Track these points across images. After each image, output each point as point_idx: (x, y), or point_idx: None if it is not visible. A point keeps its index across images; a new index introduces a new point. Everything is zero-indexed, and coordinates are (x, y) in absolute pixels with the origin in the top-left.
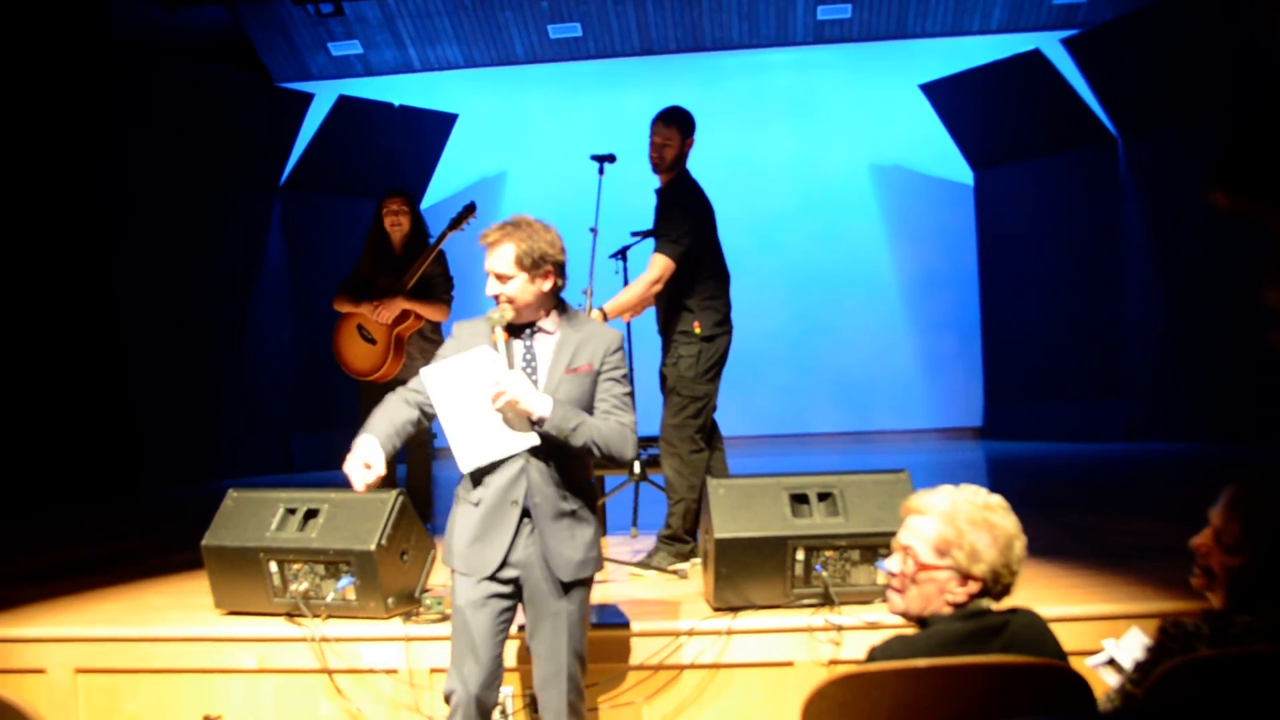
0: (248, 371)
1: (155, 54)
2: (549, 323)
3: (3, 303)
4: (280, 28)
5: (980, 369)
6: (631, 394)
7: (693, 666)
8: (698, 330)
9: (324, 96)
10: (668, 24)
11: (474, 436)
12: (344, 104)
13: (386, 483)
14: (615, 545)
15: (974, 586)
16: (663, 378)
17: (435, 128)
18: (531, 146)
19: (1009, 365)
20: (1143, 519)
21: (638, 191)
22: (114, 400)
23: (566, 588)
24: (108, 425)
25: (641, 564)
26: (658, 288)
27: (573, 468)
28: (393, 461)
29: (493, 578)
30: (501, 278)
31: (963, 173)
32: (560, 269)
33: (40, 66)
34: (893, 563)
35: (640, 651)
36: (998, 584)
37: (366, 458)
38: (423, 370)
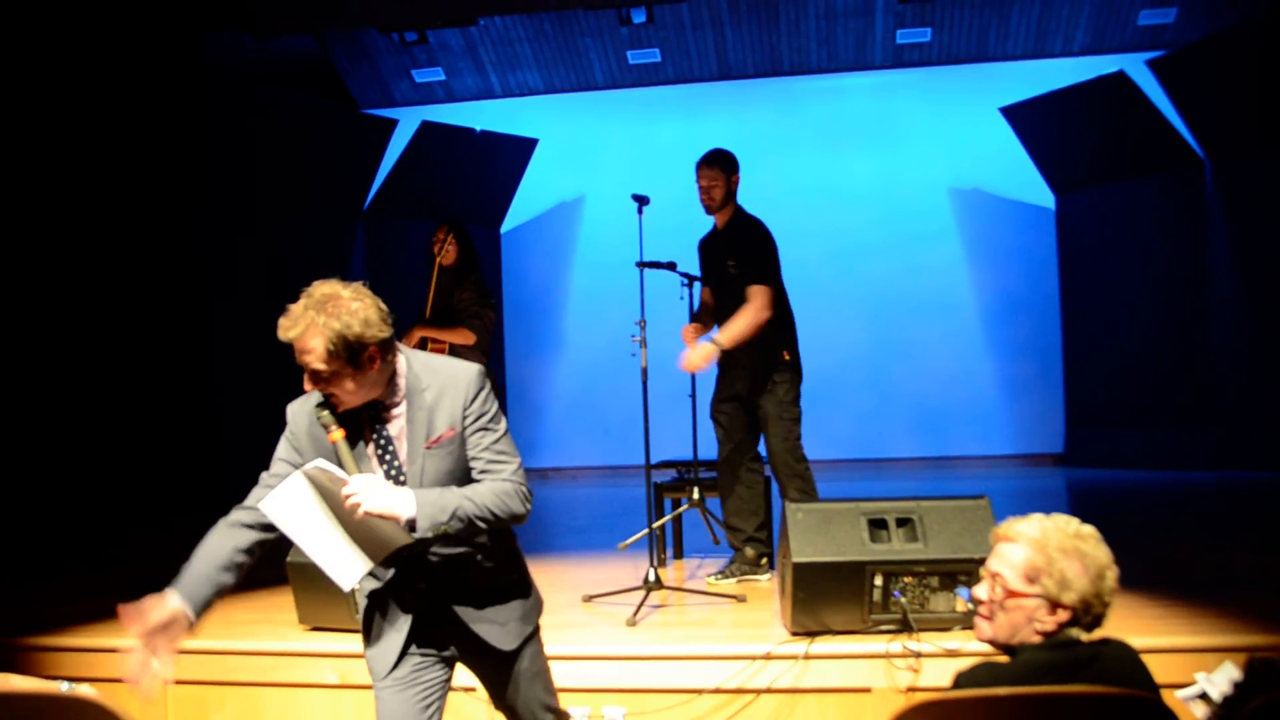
0: None
1: (246, 82)
2: (394, 396)
3: (100, 324)
4: (365, 55)
5: (1061, 394)
6: (507, 433)
7: (769, 691)
8: (787, 358)
9: (407, 122)
10: (746, 49)
11: (342, 552)
12: (426, 129)
13: None
14: (689, 568)
15: (1063, 615)
16: (757, 407)
17: (516, 152)
18: (611, 171)
19: (1091, 391)
20: (1230, 550)
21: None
22: (203, 420)
23: (512, 653)
24: (197, 442)
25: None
26: (767, 314)
27: (469, 537)
28: None
29: (420, 654)
30: (317, 377)
31: (1044, 196)
32: (386, 345)
33: (140, 94)
34: (981, 589)
35: (717, 675)
36: (1088, 614)
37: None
38: (261, 505)
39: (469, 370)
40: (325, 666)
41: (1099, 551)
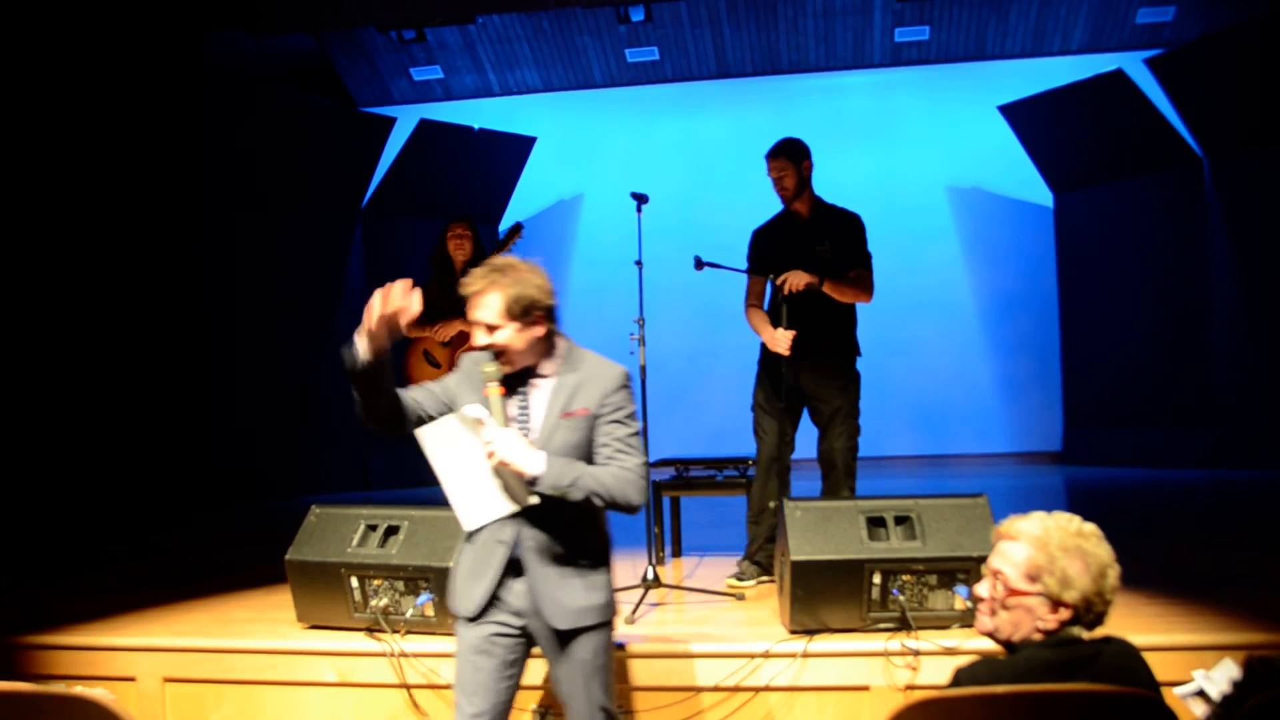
0: (328, 389)
1: (245, 80)
2: (547, 366)
3: (99, 323)
4: (363, 54)
5: (1059, 393)
6: (639, 434)
7: (768, 689)
8: (858, 354)
9: (405, 120)
10: (744, 47)
11: (472, 496)
12: (425, 128)
13: None
14: (688, 566)
15: (1065, 614)
16: (823, 400)
17: (514, 151)
18: (609, 169)
19: (1090, 389)
20: (1227, 548)
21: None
22: (202, 417)
23: (568, 636)
24: (195, 441)
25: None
26: (869, 299)
27: (574, 514)
28: None
29: (497, 622)
30: (490, 328)
31: (1042, 195)
32: (550, 314)
33: (139, 93)
34: (982, 587)
35: (715, 673)
36: (1090, 612)
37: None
38: (417, 431)
39: (617, 369)
40: (324, 665)
41: (1101, 550)
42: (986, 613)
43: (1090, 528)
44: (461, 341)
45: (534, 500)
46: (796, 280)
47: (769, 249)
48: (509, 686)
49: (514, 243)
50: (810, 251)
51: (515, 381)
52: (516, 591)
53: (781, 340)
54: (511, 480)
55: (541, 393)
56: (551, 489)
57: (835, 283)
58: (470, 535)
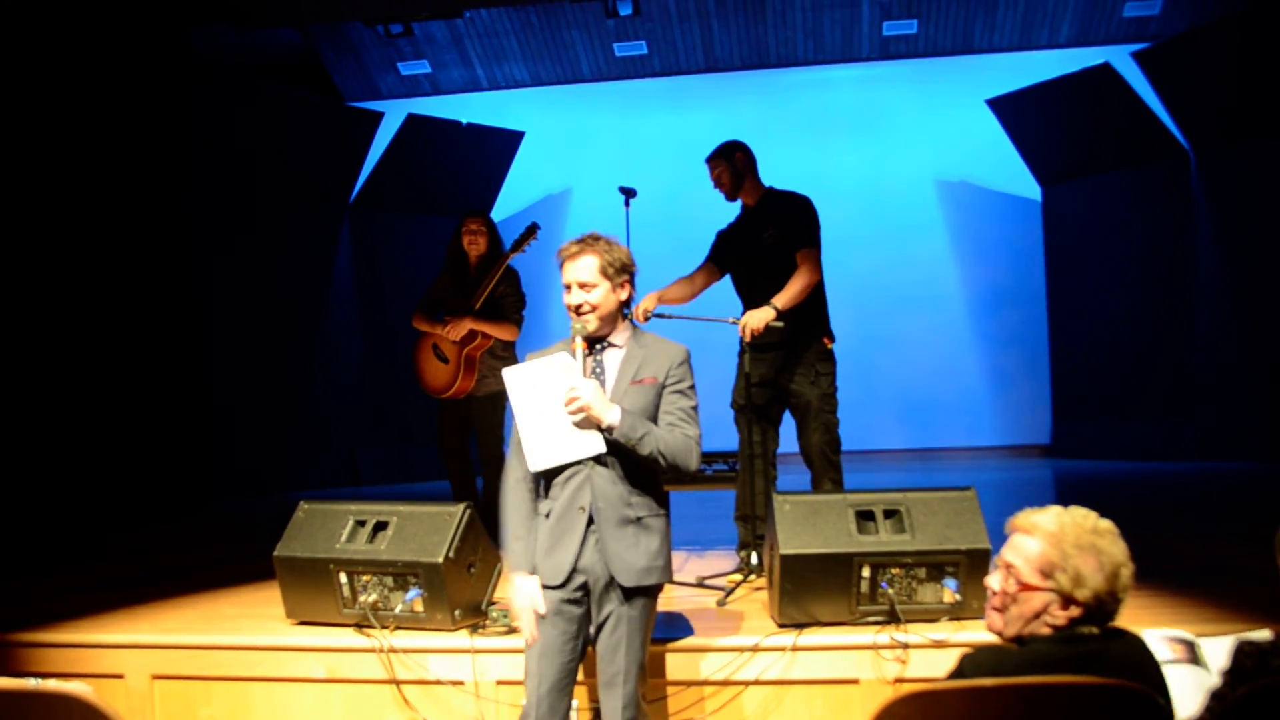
0: (316, 385)
1: (230, 74)
2: (619, 337)
3: (88, 318)
4: (350, 48)
5: (1048, 386)
6: (697, 408)
7: (757, 683)
8: (829, 345)
9: (393, 115)
10: (733, 41)
11: (545, 438)
12: (412, 122)
13: (468, 496)
14: (675, 560)
15: (1075, 611)
16: (793, 394)
17: (502, 145)
18: (597, 163)
19: (1077, 382)
20: (1215, 539)
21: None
22: (190, 413)
23: (629, 594)
24: (184, 437)
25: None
26: (818, 275)
27: (639, 476)
28: (472, 476)
29: (562, 586)
30: (585, 286)
31: (1030, 188)
32: (633, 280)
33: (123, 87)
34: (994, 579)
35: (704, 667)
36: (1101, 610)
37: (535, 603)
38: (504, 370)
39: (681, 347)
40: (313, 661)
41: (1115, 548)
42: (997, 605)
43: (1106, 525)
44: (471, 339)
45: (601, 449)
46: (755, 324)
47: (723, 245)
48: (578, 647)
49: (530, 242)
50: (758, 239)
51: (592, 346)
52: (586, 551)
53: (742, 328)
54: (586, 428)
55: (614, 359)
56: (624, 438)
57: (786, 297)
58: (543, 495)
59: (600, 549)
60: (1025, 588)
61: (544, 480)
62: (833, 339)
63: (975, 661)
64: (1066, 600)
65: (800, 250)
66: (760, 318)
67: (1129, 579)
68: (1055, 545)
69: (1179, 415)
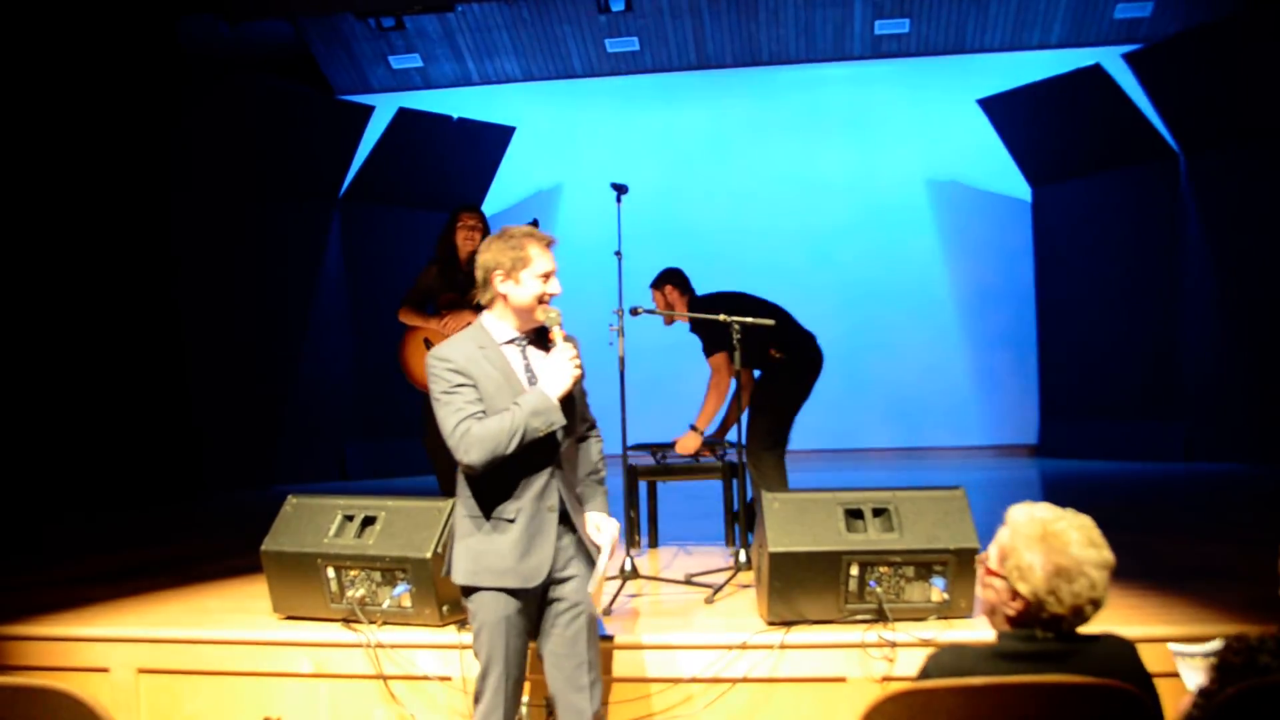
0: (305, 379)
1: (220, 67)
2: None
3: (75, 311)
4: (342, 41)
5: (1036, 386)
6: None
7: (745, 680)
8: (777, 355)
9: (384, 109)
10: (724, 38)
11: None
12: (403, 116)
13: (455, 491)
14: (665, 557)
15: (1019, 604)
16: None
17: (493, 140)
18: (588, 159)
19: (1065, 382)
20: (1201, 540)
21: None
22: (177, 406)
23: (582, 583)
24: (171, 431)
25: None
26: (726, 379)
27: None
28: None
29: (533, 589)
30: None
31: (1020, 188)
32: None
33: (113, 79)
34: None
35: (693, 665)
36: (1042, 611)
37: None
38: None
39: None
40: (299, 655)
41: (1079, 552)
42: (981, 585)
43: (1074, 531)
44: None
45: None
46: (683, 451)
47: None
48: (526, 645)
49: None
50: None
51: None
52: (560, 548)
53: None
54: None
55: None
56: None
57: (701, 415)
58: (501, 501)
59: (573, 542)
60: (989, 572)
61: (502, 477)
62: (781, 347)
63: (939, 662)
64: (1013, 592)
65: (708, 359)
66: (687, 445)
67: (1086, 589)
68: (1012, 535)
69: (1166, 416)
